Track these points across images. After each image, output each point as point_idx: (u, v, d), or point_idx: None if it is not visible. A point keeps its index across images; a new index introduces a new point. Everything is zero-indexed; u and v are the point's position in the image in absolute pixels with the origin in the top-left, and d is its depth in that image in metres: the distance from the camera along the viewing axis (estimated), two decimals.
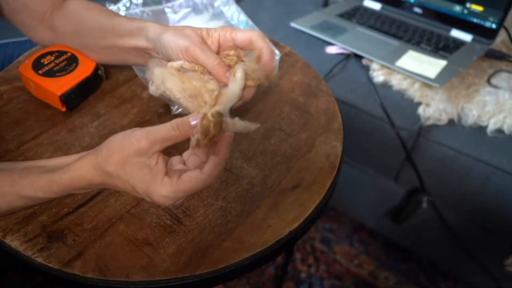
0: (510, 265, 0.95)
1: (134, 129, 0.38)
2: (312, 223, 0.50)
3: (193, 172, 0.38)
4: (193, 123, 0.38)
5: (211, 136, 0.37)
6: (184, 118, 0.38)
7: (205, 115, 0.37)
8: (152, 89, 0.45)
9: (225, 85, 0.44)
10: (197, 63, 0.44)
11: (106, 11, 0.57)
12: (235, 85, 0.42)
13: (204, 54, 0.43)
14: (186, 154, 0.42)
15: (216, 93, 0.42)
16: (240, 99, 0.43)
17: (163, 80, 0.44)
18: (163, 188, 0.37)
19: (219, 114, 0.38)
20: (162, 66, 0.45)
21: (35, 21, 0.59)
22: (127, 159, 0.37)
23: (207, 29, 0.46)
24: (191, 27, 0.47)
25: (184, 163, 0.41)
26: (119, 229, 0.45)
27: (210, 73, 0.44)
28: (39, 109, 0.57)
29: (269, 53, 0.44)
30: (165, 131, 0.37)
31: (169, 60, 0.47)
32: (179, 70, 0.45)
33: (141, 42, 0.51)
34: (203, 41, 0.45)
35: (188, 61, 0.45)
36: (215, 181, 0.39)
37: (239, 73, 0.43)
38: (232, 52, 0.45)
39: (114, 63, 0.59)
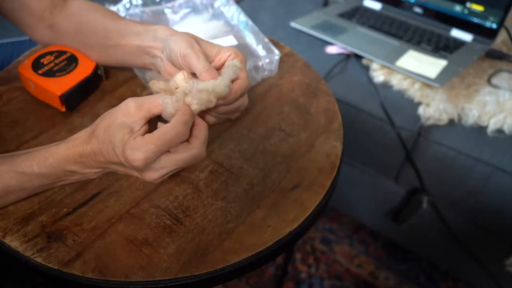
0: (510, 265, 0.95)
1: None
2: (312, 223, 0.50)
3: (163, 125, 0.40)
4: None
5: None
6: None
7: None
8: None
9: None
10: (190, 69, 0.47)
11: (111, 13, 0.57)
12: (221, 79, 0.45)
13: (197, 60, 0.46)
14: None
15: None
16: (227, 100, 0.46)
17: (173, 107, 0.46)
18: (135, 142, 0.38)
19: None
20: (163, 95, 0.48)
21: (34, 19, 0.59)
22: (113, 121, 0.40)
23: (220, 47, 0.49)
24: (205, 42, 0.50)
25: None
26: (118, 229, 0.45)
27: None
28: (39, 109, 0.57)
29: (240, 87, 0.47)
30: (154, 98, 0.41)
31: (170, 60, 0.50)
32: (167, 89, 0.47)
33: (146, 41, 0.52)
34: (203, 51, 0.48)
35: (184, 66, 0.47)
36: (183, 134, 0.40)
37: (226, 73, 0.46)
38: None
39: (114, 63, 0.59)
